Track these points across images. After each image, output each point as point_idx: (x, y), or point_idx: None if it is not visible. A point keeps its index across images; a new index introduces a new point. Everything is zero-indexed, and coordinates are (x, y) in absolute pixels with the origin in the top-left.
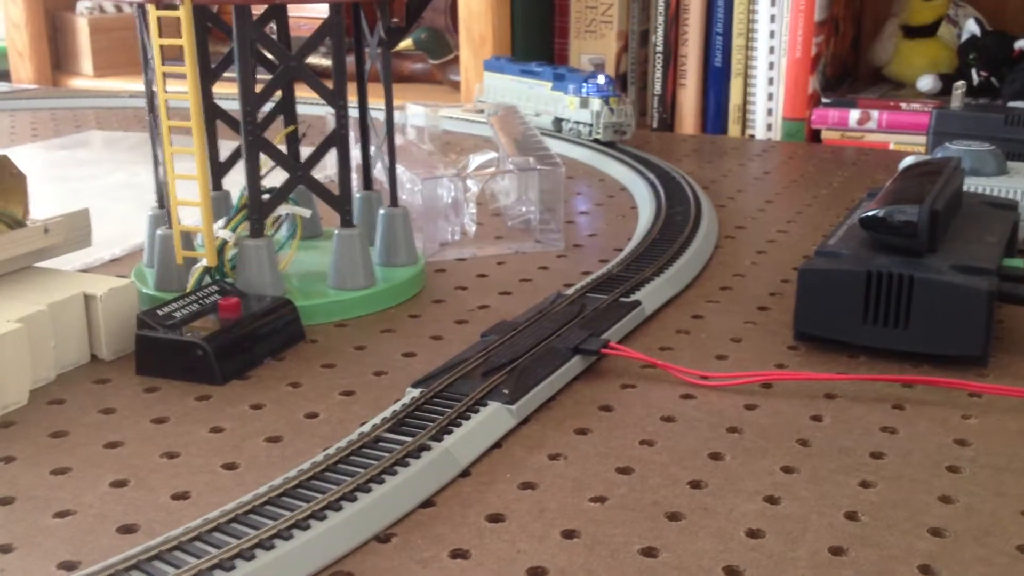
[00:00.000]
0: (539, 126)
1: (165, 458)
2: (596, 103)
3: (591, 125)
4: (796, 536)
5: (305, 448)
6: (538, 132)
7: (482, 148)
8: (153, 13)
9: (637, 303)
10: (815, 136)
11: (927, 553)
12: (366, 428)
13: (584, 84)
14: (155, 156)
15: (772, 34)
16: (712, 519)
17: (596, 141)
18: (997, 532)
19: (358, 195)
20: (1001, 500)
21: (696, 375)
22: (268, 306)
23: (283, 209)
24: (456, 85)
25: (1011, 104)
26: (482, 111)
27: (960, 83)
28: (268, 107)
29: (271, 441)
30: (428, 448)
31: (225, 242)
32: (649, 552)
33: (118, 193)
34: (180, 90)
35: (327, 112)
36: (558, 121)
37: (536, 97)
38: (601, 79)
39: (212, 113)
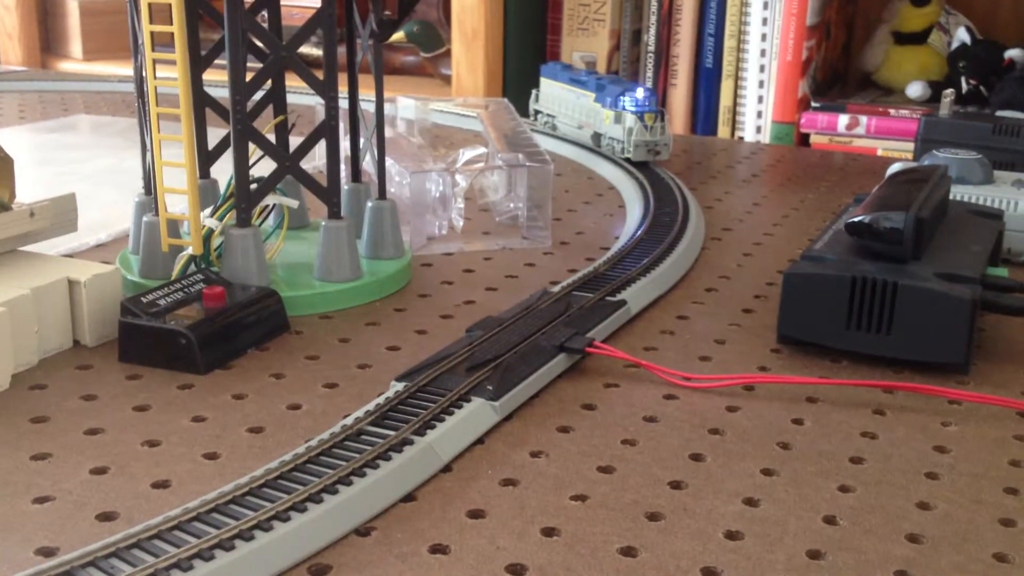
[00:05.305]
0: (578, 140)
1: (146, 446)
2: (630, 119)
3: (623, 142)
4: (774, 539)
5: (287, 440)
6: (528, 128)
7: (471, 143)
8: None
9: (623, 302)
10: (804, 140)
11: (904, 559)
12: (349, 421)
13: (620, 97)
14: (143, 142)
15: (764, 37)
16: (692, 520)
17: (628, 160)
18: (974, 539)
19: (346, 187)
20: (979, 507)
21: (679, 376)
22: (253, 296)
23: (271, 199)
24: (447, 79)
25: (999, 113)
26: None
27: (949, 91)
28: (258, 96)
29: (253, 432)
30: (410, 443)
31: (211, 231)
32: (628, 551)
33: (104, 178)
34: (170, 76)
35: (317, 103)
36: (597, 136)
37: (580, 108)
38: (640, 92)
39: (201, 101)
